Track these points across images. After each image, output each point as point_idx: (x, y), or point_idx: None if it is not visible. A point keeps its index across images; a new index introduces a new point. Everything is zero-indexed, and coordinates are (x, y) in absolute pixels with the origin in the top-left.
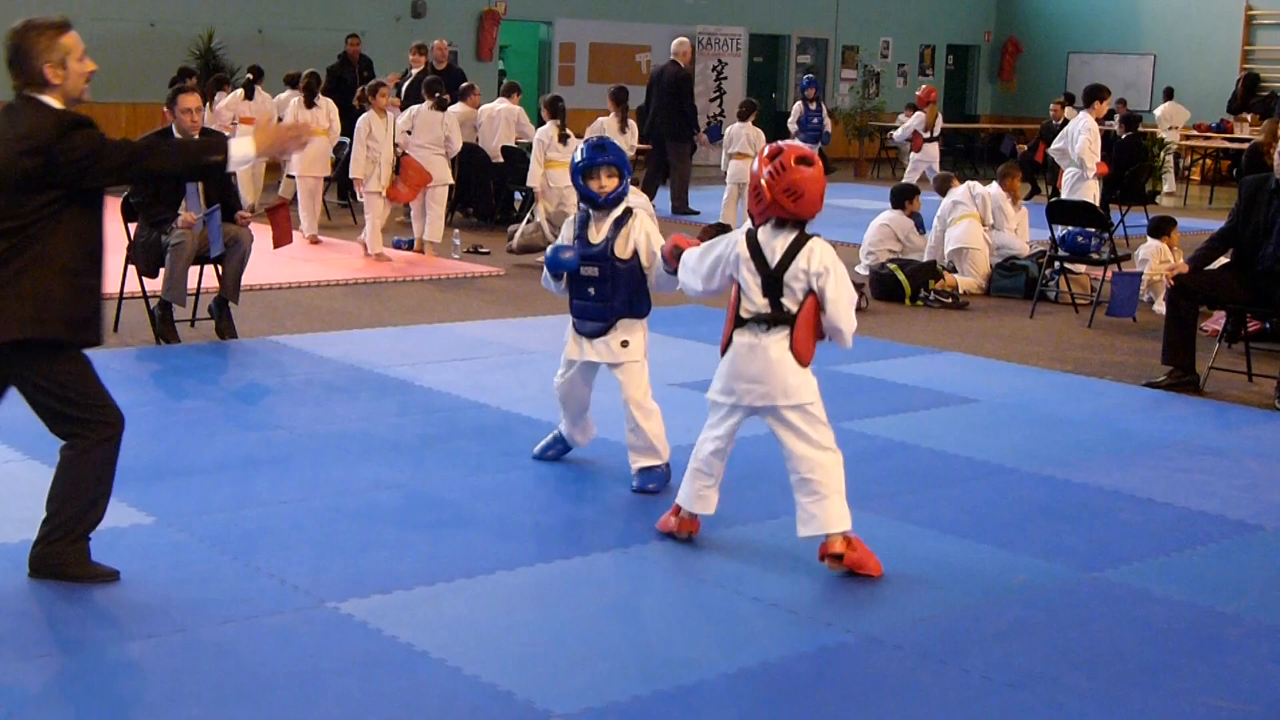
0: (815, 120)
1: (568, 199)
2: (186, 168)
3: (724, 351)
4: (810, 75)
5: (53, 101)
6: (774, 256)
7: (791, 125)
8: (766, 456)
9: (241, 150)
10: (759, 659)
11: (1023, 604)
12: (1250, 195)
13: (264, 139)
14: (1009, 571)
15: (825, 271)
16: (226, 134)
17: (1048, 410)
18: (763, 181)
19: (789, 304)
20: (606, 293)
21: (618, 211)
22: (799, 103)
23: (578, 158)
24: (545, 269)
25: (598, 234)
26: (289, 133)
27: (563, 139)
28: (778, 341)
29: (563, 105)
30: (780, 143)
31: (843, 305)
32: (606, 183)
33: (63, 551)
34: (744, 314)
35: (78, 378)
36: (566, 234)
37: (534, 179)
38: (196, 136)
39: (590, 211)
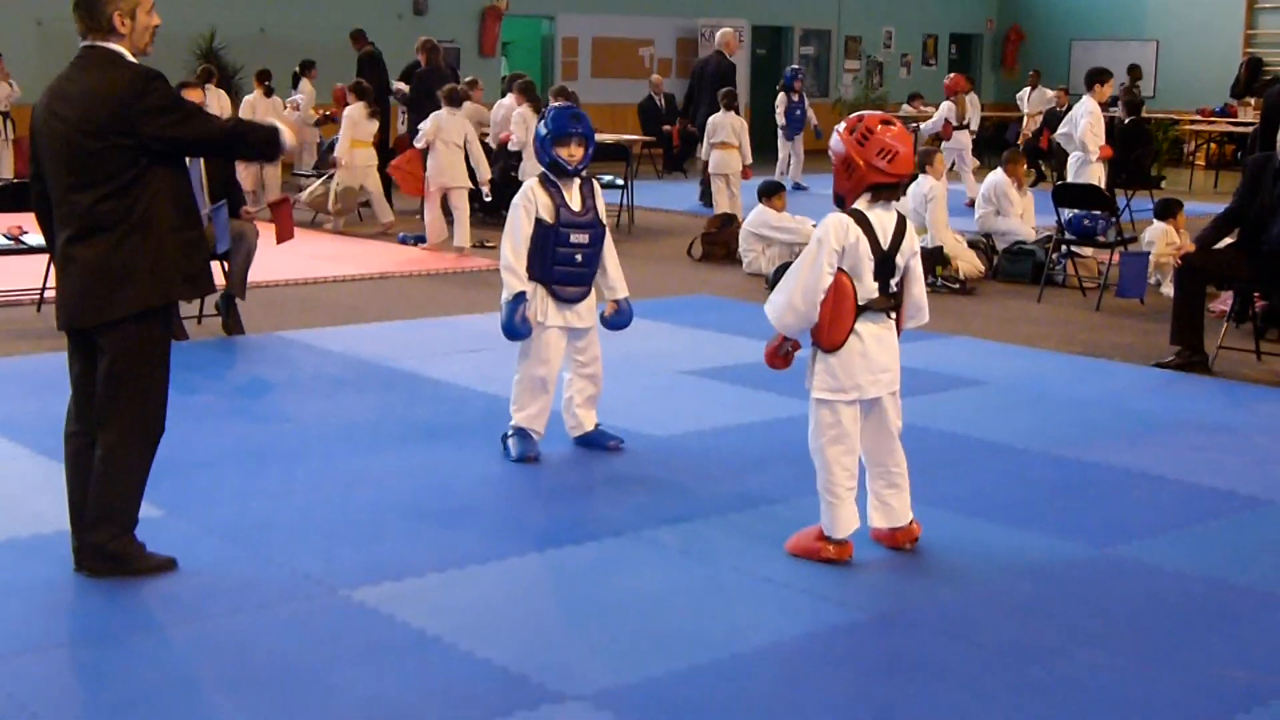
0: (798, 112)
1: (367, 178)
2: (259, 148)
3: (838, 347)
4: (794, 68)
5: (119, 48)
6: (885, 237)
7: (779, 119)
8: (775, 440)
9: (287, 141)
10: (772, 639)
11: (1035, 581)
12: (1255, 175)
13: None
14: (1021, 550)
15: (917, 249)
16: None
17: (1057, 391)
18: (851, 154)
19: (894, 284)
20: (591, 257)
21: (579, 179)
22: (782, 94)
23: (544, 129)
24: (505, 322)
25: (577, 202)
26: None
27: (371, 117)
28: (892, 324)
29: (368, 88)
30: (856, 114)
31: (923, 282)
32: (576, 152)
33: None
34: (863, 302)
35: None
36: (542, 202)
37: (341, 152)
38: None
39: (557, 181)
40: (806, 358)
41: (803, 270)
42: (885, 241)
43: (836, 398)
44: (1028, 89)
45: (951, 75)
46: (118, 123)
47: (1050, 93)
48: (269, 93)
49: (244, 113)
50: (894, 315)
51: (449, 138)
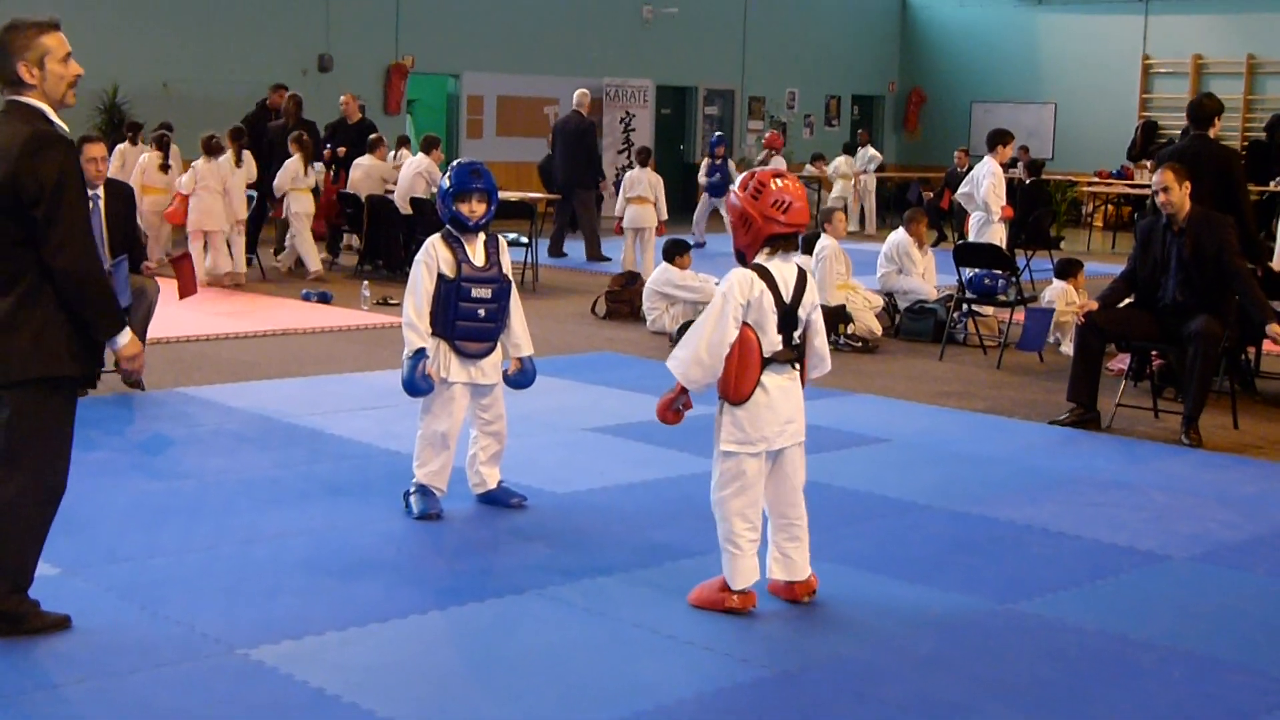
0: (717, 175)
1: (160, 226)
2: (93, 310)
3: (745, 399)
4: (719, 135)
5: (38, 104)
6: (787, 290)
7: (702, 179)
8: (678, 496)
9: (122, 340)
10: (675, 696)
11: (938, 637)
12: (1145, 236)
13: (132, 348)
14: (924, 605)
15: (818, 302)
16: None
17: (958, 448)
18: (747, 209)
19: (796, 336)
20: (495, 313)
21: (483, 235)
22: (706, 159)
23: (447, 183)
24: (406, 378)
25: (480, 257)
26: (139, 360)
27: (163, 169)
28: (796, 376)
29: (168, 139)
30: (748, 171)
31: (825, 334)
32: (477, 207)
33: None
34: (768, 354)
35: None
36: (444, 257)
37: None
38: (100, 186)
39: (459, 236)
40: (712, 414)
41: (708, 324)
42: (788, 294)
43: (744, 450)
44: (858, 148)
45: (770, 133)
46: (8, 180)
47: (873, 151)
48: (135, 142)
49: (115, 162)
50: (798, 367)
51: (207, 184)
